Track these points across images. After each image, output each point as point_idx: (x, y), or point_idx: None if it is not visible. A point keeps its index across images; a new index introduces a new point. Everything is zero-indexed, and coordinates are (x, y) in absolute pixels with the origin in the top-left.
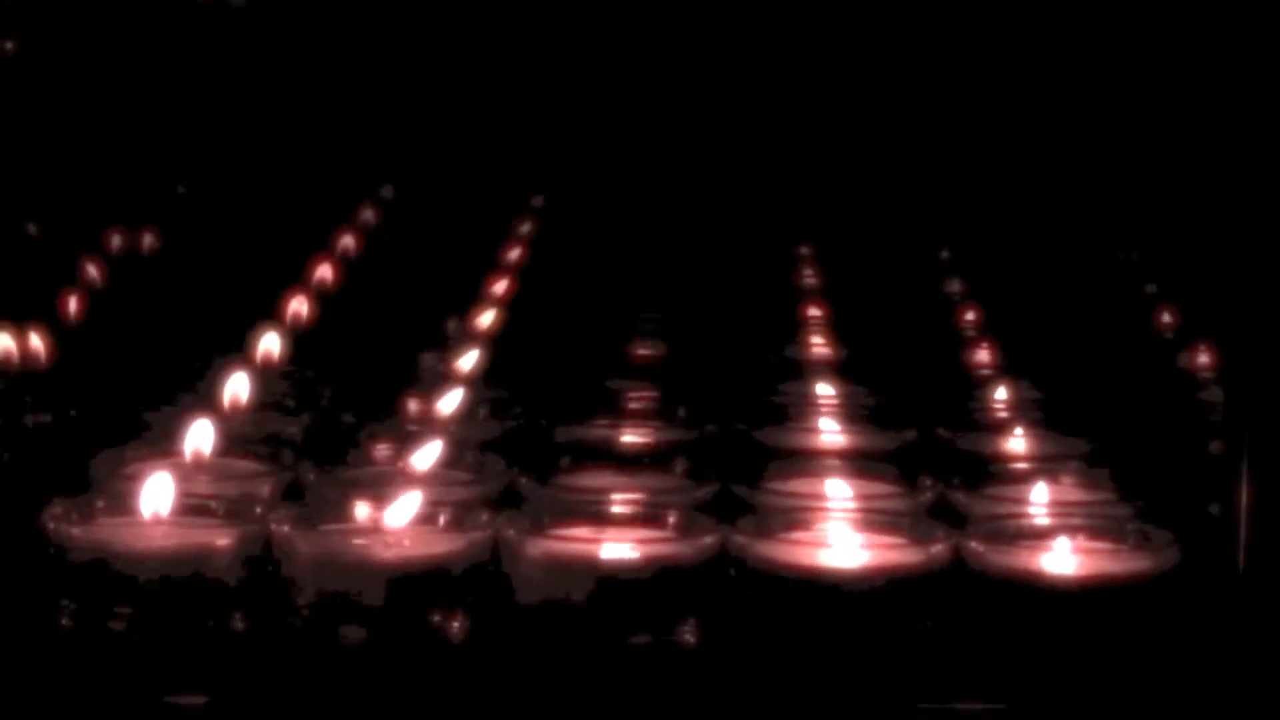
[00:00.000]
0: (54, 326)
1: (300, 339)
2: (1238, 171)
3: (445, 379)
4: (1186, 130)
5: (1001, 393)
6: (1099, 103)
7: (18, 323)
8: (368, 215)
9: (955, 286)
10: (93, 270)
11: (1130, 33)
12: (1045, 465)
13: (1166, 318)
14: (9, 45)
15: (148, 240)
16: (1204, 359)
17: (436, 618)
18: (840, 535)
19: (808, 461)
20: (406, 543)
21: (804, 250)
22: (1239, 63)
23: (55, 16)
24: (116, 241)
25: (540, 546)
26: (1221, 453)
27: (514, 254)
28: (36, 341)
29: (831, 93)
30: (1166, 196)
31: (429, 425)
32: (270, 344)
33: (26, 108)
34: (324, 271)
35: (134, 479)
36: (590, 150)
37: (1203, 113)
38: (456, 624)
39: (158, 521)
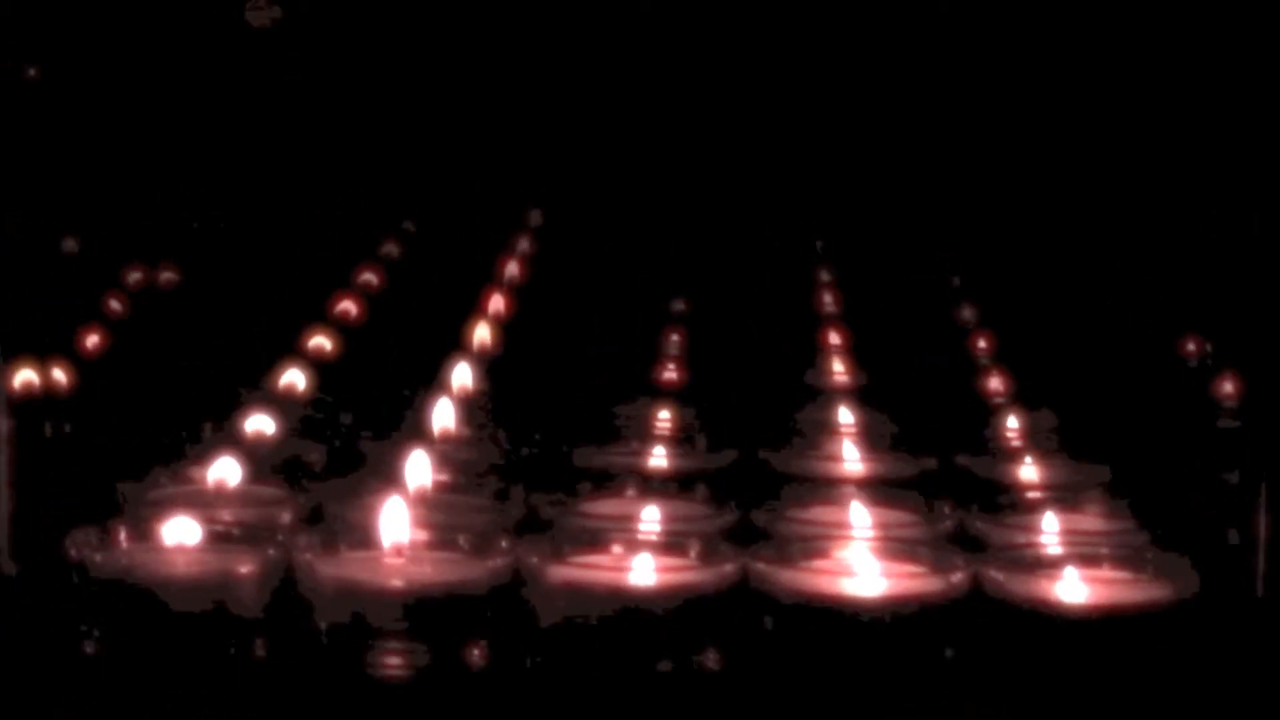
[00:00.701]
0: (78, 357)
1: (323, 366)
2: (1263, 202)
3: (467, 405)
4: (1213, 157)
5: (1020, 420)
6: (1120, 127)
7: (43, 354)
8: (390, 248)
9: (972, 312)
10: (117, 302)
11: (1156, 54)
12: (1064, 493)
13: (1188, 346)
14: (31, 72)
15: (170, 274)
16: (1224, 387)
17: (458, 644)
18: (859, 563)
19: (827, 489)
20: (428, 568)
21: (823, 275)
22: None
23: (77, 46)
24: (138, 275)
25: (561, 573)
26: (1239, 480)
27: (517, 273)
28: (60, 372)
29: (848, 117)
30: (1188, 224)
31: (450, 451)
32: (296, 374)
33: (47, 138)
34: (347, 301)
35: (157, 506)
36: (616, 172)
37: (1230, 141)
38: (478, 650)
39: (180, 548)
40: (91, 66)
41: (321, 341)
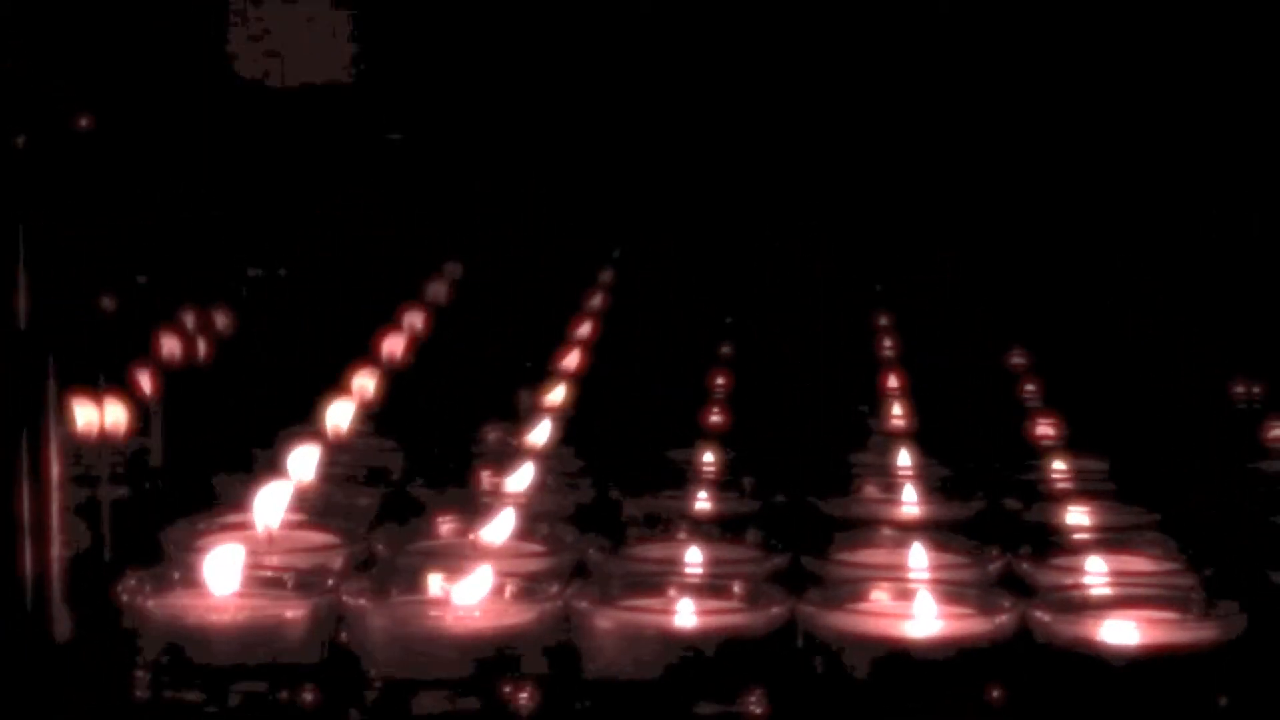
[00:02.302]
0: (130, 398)
1: (373, 411)
2: None
3: (516, 451)
4: (1266, 206)
5: (1069, 463)
6: (1173, 175)
7: (98, 394)
8: (437, 289)
9: (1020, 357)
10: (169, 344)
11: (1203, 94)
12: (1112, 535)
13: (1237, 388)
14: (84, 122)
15: (221, 317)
16: (1272, 430)
17: (508, 688)
18: (907, 605)
19: (875, 532)
20: (478, 614)
21: (881, 320)
22: None
23: (129, 94)
24: (190, 319)
25: (611, 617)
26: None
27: (583, 325)
28: (113, 413)
29: (907, 153)
30: (1237, 268)
31: (500, 497)
32: (342, 416)
33: (101, 185)
34: (395, 344)
35: (207, 551)
36: (658, 214)
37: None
38: (527, 694)
39: (231, 594)
40: (143, 115)
41: (371, 384)
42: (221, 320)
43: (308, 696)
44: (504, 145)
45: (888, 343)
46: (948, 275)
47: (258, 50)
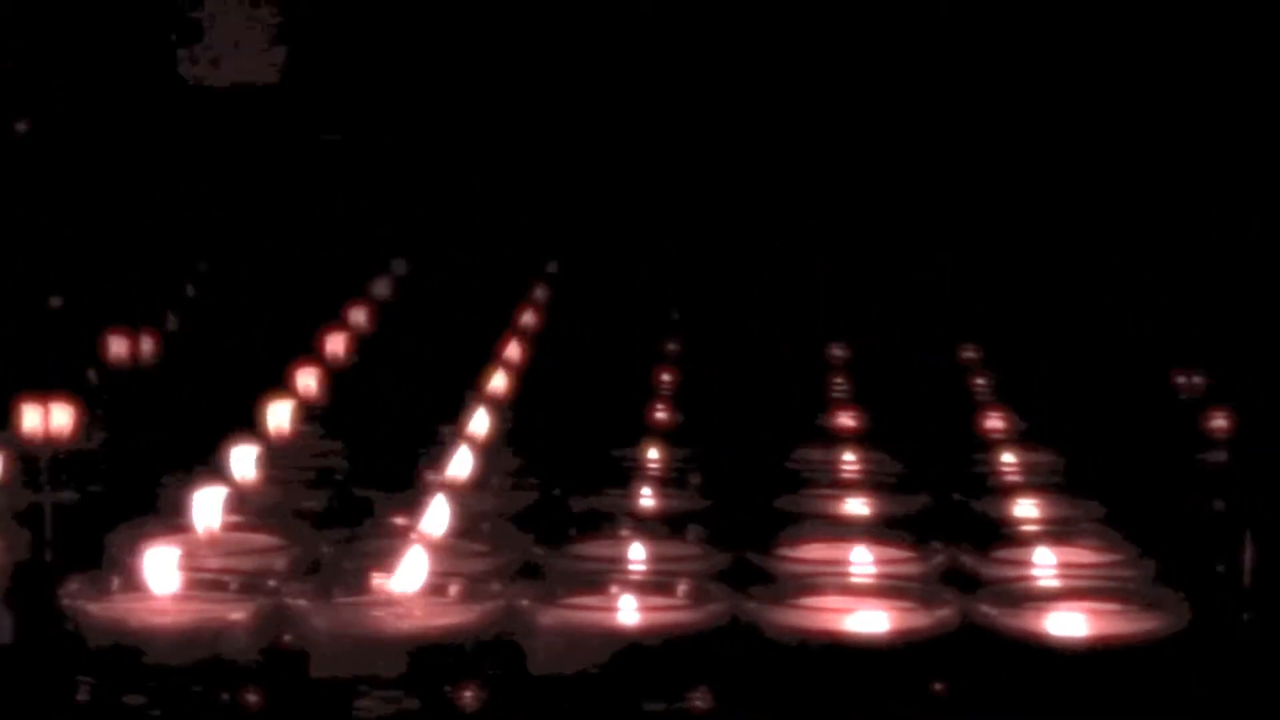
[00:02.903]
0: (71, 402)
1: (317, 411)
2: (1256, 238)
3: (461, 450)
4: (1205, 194)
5: (1013, 457)
6: (1112, 165)
7: (40, 399)
8: (381, 288)
9: (970, 351)
10: (113, 346)
11: (1151, 92)
12: (1057, 528)
13: (1180, 380)
14: (21, 126)
15: (165, 319)
16: (1215, 421)
17: (452, 688)
18: (851, 601)
19: (819, 528)
20: (421, 613)
21: (829, 316)
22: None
23: (65, 99)
24: (133, 319)
25: (554, 615)
26: (1230, 514)
27: (527, 321)
28: (55, 418)
29: (849, 152)
30: (1179, 260)
31: (445, 496)
32: (286, 417)
33: (37, 192)
34: (339, 344)
35: (150, 554)
36: (605, 212)
37: (1222, 180)
38: (471, 694)
39: (174, 597)
40: (81, 120)
41: (316, 385)
42: (166, 322)
43: (251, 698)
44: (450, 142)
45: (834, 338)
46: (895, 270)
47: (198, 53)
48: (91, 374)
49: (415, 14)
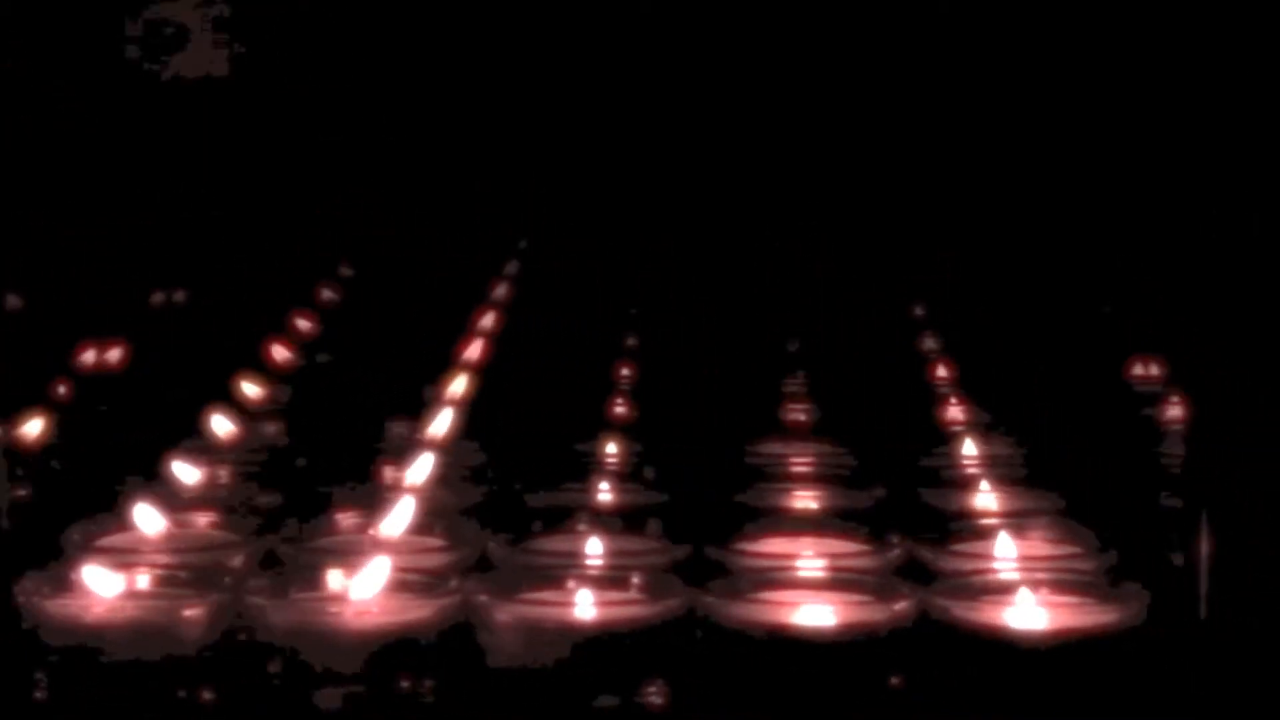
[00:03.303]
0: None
1: (273, 409)
2: (1211, 232)
3: (418, 445)
4: (1160, 191)
5: (972, 449)
6: (1068, 154)
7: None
8: (344, 279)
9: (928, 342)
10: (80, 351)
11: (1099, 86)
12: (1013, 520)
13: (1137, 370)
14: None
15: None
16: (1172, 413)
17: (409, 683)
18: (808, 594)
19: (778, 521)
20: (378, 609)
21: (786, 308)
22: (1213, 120)
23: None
24: (94, 320)
25: (510, 611)
26: (1186, 506)
27: (486, 317)
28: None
29: (808, 146)
30: (1139, 252)
31: (401, 492)
32: (243, 412)
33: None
34: (298, 337)
35: (107, 551)
36: (563, 207)
37: (1179, 177)
38: (428, 689)
39: (130, 593)
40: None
41: (274, 380)
42: (123, 320)
43: (207, 694)
44: (410, 135)
45: (792, 331)
46: (851, 261)
47: (149, 48)
48: (58, 380)
49: (369, 9)
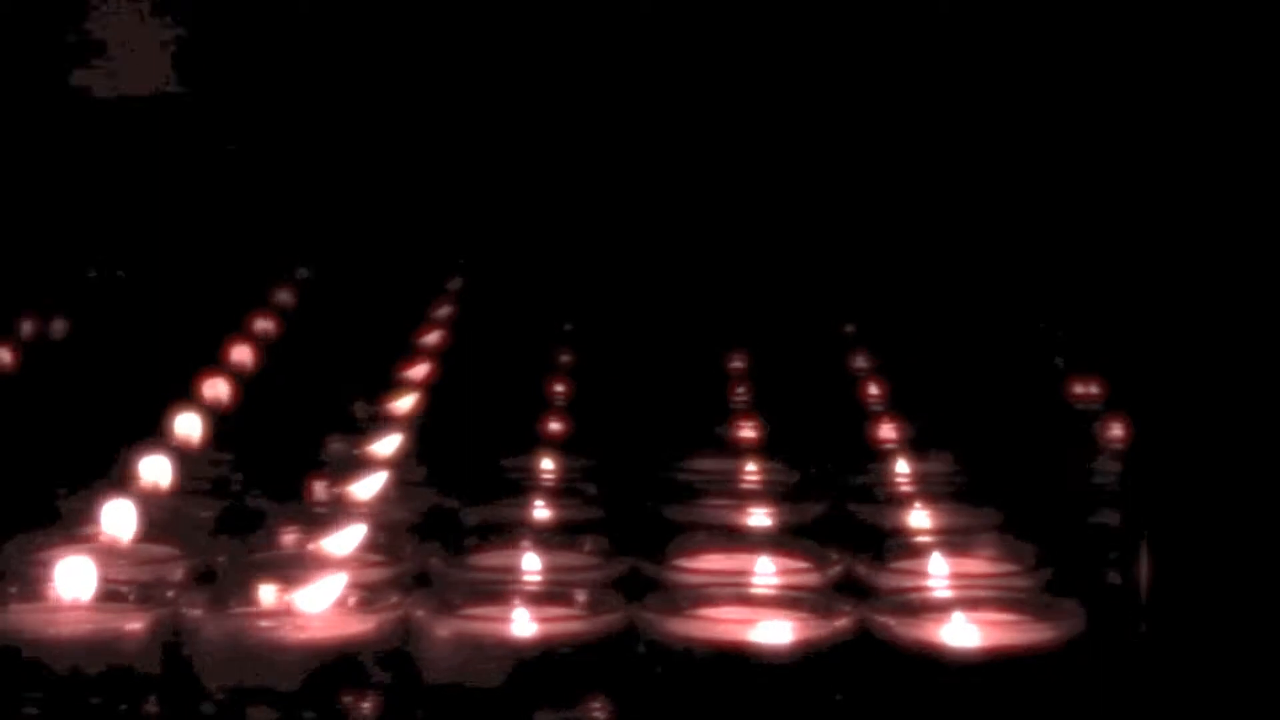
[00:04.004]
0: None
1: (214, 422)
2: (1148, 244)
3: (357, 461)
4: (1096, 202)
5: (909, 466)
6: (1006, 169)
7: None
8: (283, 296)
9: (862, 360)
10: (4, 353)
11: (1033, 100)
12: (952, 538)
13: (1075, 389)
14: None
15: (59, 324)
16: (1111, 431)
17: (348, 699)
18: (747, 611)
19: (715, 538)
20: (317, 624)
21: (724, 325)
22: (1149, 135)
23: None
24: (27, 326)
25: (450, 626)
26: (1124, 523)
27: (429, 336)
28: None
29: (741, 164)
30: (1076, 268)
31: (341, 507)
32: (183, 427)
33: None
34: (239, 354)
35: (45, 564)
36: (497, 222)
37: (1113, 186)
38: (367, 704)
39: (69, 606)
40: None
41: (213, 393)
42: (60, 329)
43: (149, 709)
44: (352, 154)
45: (730, 348)
46: (786, 277)
47: (95, 56)
48: None
49: (319, 20)
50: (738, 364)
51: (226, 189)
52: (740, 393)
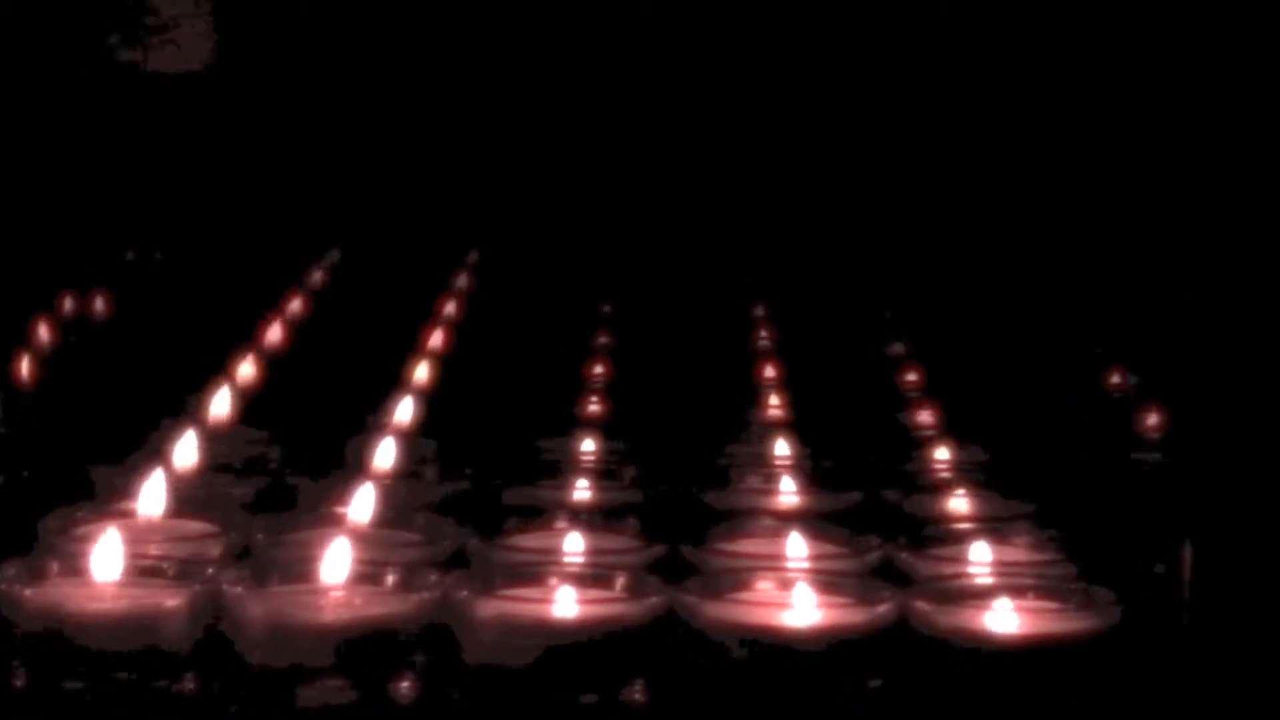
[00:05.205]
0: (5, 386)
1: (250, 399)
2: (1189, 239)
3: (396, 440)
4: (1133, 196)
5: (947, 453)
6: (1046, 163)
7: None
8: (316, 277)
9: (901, 347)
10: (44, 332)
11: (1068, 103)
12: (990, 526)
13: (1114, 379)
14: None
15: (99, 304)
16: (1150, 420)
17: (386, 678)
18: (786, 596)
19: (754, 523)
20: (357, 603)
21: (758, 311)
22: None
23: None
24: (68, 304)
25: (489, 607)
26: (1163, 513)
27: (462, 312)
28: None
29: (781, 149)
30: (1116, 256)
31: (378, 485)
32: (221, 404)
33: None
34: (273, 332)
35: (85, 540)
36: (537, 204)
37: (1150, 181)
38: (406, 684)
39: (109, 583)
40: (23, 98)
41: (251, 372)
42: (99, 308)
43: (187, 685)
44: (380, 127)
45: (765, 333)
46: (825, 264)
47: (134, 39)
48: (25, 358)
49: (349, 6)
50: (777, 349)
51: (260, 174)
52: (780, 378)
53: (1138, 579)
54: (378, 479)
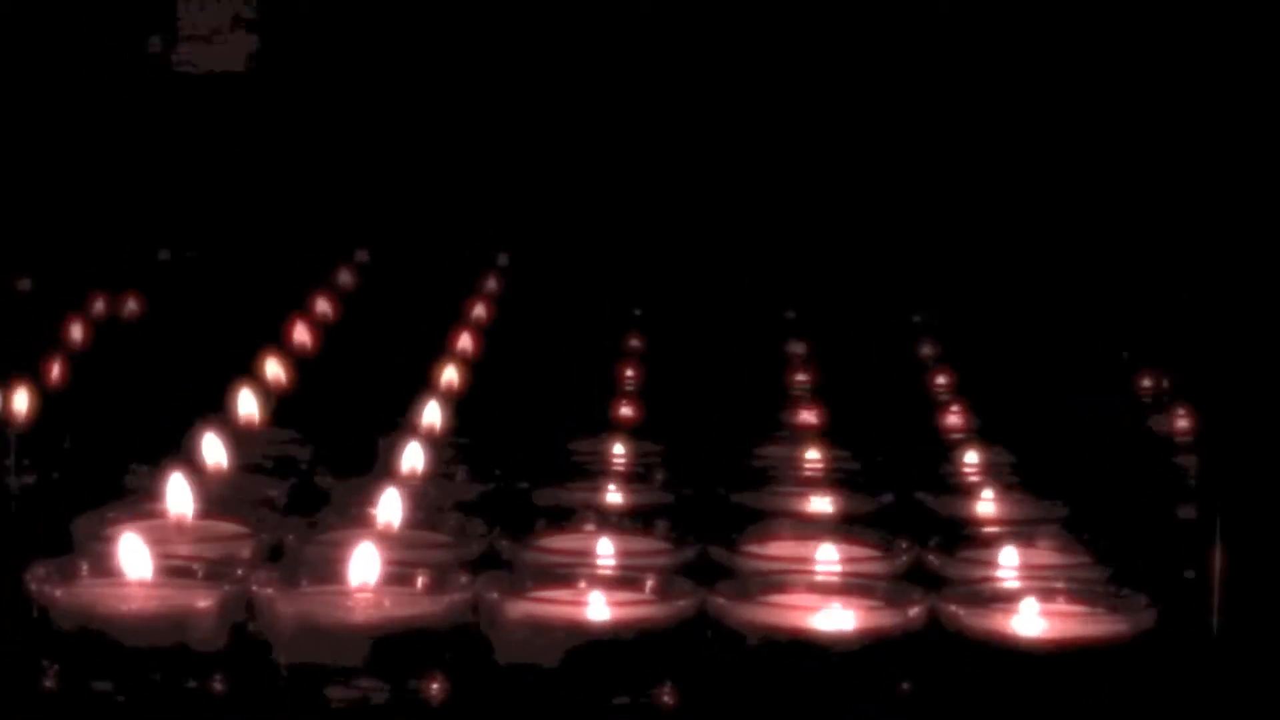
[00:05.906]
0: (37, 387)
1: (281, 400)
2: (1217, 240)
3: (424, 440)
4: (1161, 195)
5: (977, 456)
6: (1073, 167)
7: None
8: (344, 277)
9: (930, 349)
10: (76, 331)
11: (1098, 105)
12: (1021, 528)
13: (1144, 382)
14: None
15: (130, 304)
16: (1180, 423)
17: (417, 680)
18: (817, 598)
19: (785, 524)
20: (387, 604)
21: (789, 314)
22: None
23: (39, 76)
24: (99, 305)
25: (520, 608)
26: (1196, 516)
27: (491, 315)
28: (20, 402)
29: (810, 152)
30: (1145, 259)
31: (408, 487)
32: (251, 405)
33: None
34: (303, 333)
35: (116, 540)
36: (570, 208)
37: (1177, 182)
38: (437, 686)
39: (141, 583)
40: (51, 97)
41: (282, 373)
42: (130, 309)
43: (217, 686)
44: (411, 128)
45: (797, 336)
46: (857, 267)
47: (168, 36)
48: (56, 358)
49: (380, 7)
50: (808, 352)
51: (293, 175)
52: (810, 380)
53: (1170, 582)
54: (408, 480)
